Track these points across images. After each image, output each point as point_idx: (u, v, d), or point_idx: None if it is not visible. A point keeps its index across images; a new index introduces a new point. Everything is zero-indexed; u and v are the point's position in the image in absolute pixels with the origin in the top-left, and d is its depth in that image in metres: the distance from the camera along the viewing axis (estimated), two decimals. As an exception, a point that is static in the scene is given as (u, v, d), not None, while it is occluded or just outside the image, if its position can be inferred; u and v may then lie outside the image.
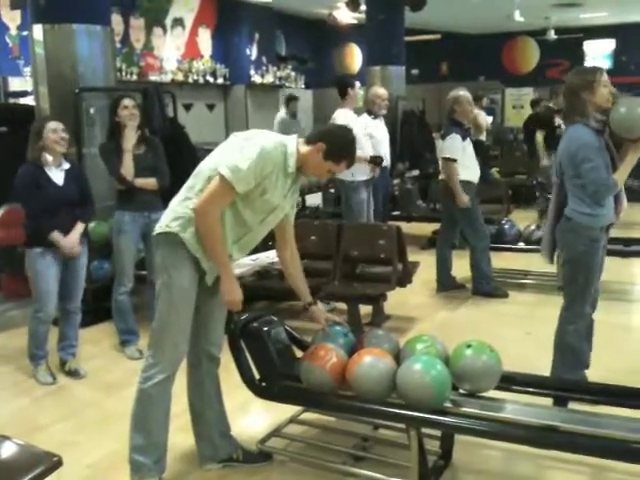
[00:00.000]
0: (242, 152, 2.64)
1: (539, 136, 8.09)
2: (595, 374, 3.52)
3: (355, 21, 11.70)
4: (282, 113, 10.12)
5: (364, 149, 5.81)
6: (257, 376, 3.08)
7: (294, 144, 2.72)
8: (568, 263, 3.46)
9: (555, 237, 3.51)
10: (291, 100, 10.04)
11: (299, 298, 3.07)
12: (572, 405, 2.96)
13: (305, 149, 2.73)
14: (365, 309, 4.85)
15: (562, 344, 3.55)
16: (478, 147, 8.64)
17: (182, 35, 10.61)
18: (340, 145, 2.76)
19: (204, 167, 2.75)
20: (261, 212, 2.75)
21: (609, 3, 11.26)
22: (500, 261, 5.94)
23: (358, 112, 6.11)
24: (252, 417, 3.53)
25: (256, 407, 3.49)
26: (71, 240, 3.94)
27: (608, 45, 14.41)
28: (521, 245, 5.91)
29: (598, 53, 14.49)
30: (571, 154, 3.32)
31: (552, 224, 3.54)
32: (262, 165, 2.61)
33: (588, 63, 14.44)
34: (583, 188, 3.32)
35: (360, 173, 5.83)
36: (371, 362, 2.80)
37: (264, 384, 3.07)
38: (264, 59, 12.04)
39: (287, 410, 3.30)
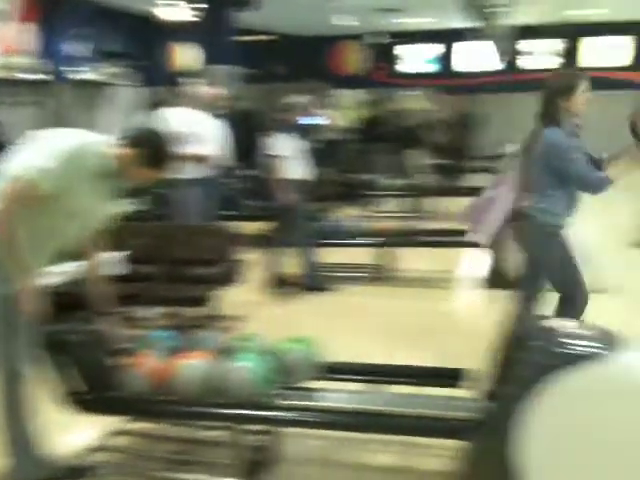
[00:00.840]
0: (45, 152, 2.51)
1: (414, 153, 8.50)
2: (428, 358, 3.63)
3: (189, 19, 11.53)
4: (146, 117, 9.63)
5: (194, 147, 5.72)
6: (77, 389, 2.92)
7: (107, 145, 2.63)
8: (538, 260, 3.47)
9: (502, 227, 3.67)
10: (157, 105, 9.61)
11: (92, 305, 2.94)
12: (397, 388, 3.05)
13: (120, 152, 2.64)
14: (198, 311, 4.78)
15: None
16: (330, 146, 8.90)
17: (1, 29, 9.78)
18: (155, 152, 2.68)
19: (6, 168, 2.57)
20: (70, 216, 2.61)
21: (432, 9, 11.89)
22: (328, 256, 6.13)
23: (192, 111, 6.01)
24: (72, 431, 3.32)
25: (76, 421, 3.29)
26: None
27: (434, 49, 15.28)
28: (348, 240, 6.16)
29: (423, 57, 15.39)
30: (547, 154, 3.34)
31: (507, 217, 3.66)
32: (65, 165, 2.49)
33: (413, 67, 15.39)
34: (551, 186, 3.36)
35: (190, 171, 5.73)
36: (192, 365, 2.79)
37: (84, 397, 2.92)
38: (92, 56, 11.45)
39: (110, 422, 3.18)
